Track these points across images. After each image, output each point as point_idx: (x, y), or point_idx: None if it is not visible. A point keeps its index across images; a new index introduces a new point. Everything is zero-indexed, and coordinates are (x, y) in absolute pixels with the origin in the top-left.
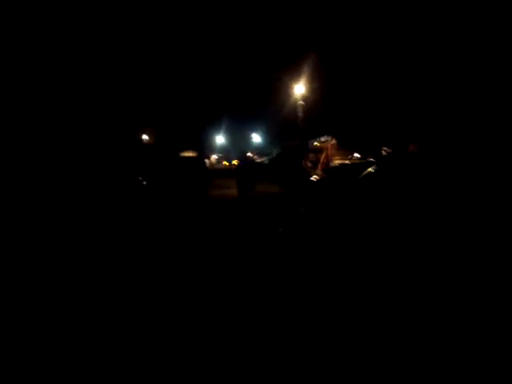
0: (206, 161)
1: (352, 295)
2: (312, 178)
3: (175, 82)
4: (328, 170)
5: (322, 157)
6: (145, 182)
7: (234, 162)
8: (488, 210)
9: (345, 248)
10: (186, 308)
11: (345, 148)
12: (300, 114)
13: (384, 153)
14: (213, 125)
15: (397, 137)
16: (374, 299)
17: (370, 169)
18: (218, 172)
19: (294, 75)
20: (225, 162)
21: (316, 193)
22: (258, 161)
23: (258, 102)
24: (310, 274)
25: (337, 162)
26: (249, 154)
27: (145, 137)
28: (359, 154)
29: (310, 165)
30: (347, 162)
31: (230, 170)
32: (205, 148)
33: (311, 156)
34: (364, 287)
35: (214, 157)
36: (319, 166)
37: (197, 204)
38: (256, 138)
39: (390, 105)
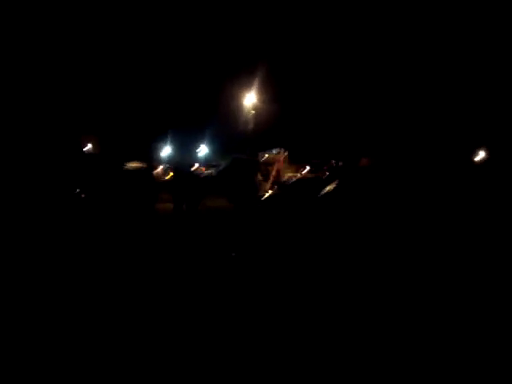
0: (154, 172)
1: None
2: (265, 194)
3: (123, 90)
4: (282, 186)
5: (274, 170)
6: (83, 195)
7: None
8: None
9: (309, 277)
10: None
11: (295, 161)
12: (250, 124)
13: (333, 165)
14: (160, 134)
15: (345, 150)
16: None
17: (329, 186)
18: (165, 184)
19: (245, 85)
20: (172, 174)
21: (271, 211)
22: (204, 173)
23: (207, 112)
24: (271, 312)
25: (288, 175)
26: (196, 165)
27: (89, 146)
28: (310, 167)
29: (260, 178)
30: (299, 175)
31: None
32: (152, 158)
33: (262, 169)
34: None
35: (160, 168)
36: (270, 180)
37: (140, 220)
38: (204, 149)
39: (339, 118)
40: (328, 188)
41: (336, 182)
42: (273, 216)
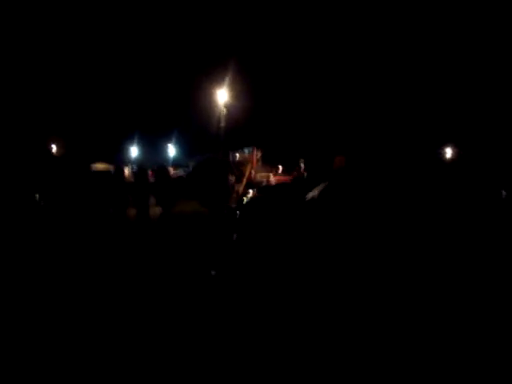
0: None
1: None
2: (240, 196)
3: (88, 90)
4: (263, 189)
5: (247, 171)
6: (42, 202)
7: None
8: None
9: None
10: None
11: (268, 161)
12: (222, 123)
13: (302, 165)
14: (128, 135)
15: (318, 149)
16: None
17: (316, 190)
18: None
19: (216, 82)
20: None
21: (258, 219)
22: (175, 174)
23: (176, 110)
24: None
25: (261, 176)
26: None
27: (53, 148)
28: (283, 167)
29: (233, 179)
30: (272, 176)
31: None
32: (120, 160)
33: (235, 170)
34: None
35: (127, 169)
36: (243, 181)
37: (108, 228)
38: (172, 149)
39: (311, 117)
40: (316, 191)
41: (324, 185)
42: (260, 224)
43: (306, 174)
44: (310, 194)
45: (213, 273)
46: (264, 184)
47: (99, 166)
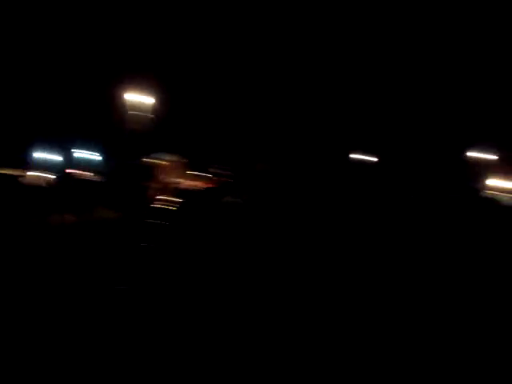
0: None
1: None
2: (160, 205)
3: None
4: (186, 196)
5: (168, 177)
6: None
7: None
8: None
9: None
10: None
11: (191, 166)
12: (140, 126)
13: (218, 171)
14: (37, 137)
15: (240, 156)
16: None
17: (239, 195)
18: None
19: (135, 85)
20: (47, 180)
21: (181, 228)
22: (87, 178)
23: (90, 112)
24: None
25: (184, 183)
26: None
27: None
28: (206, 173)
29: (153, 186)
30: (196, 183)
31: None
32: (28, 164)
33: (155, 176)
34: None
35: (32, 174)
36: (164, 188)
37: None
38: (84, 153)
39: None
40: (239, 197)
41: (246, 190)
42: (184, 233)
43: (228, 180)
44: (233, 199)
45: (121, 287)
46: (186, 190)
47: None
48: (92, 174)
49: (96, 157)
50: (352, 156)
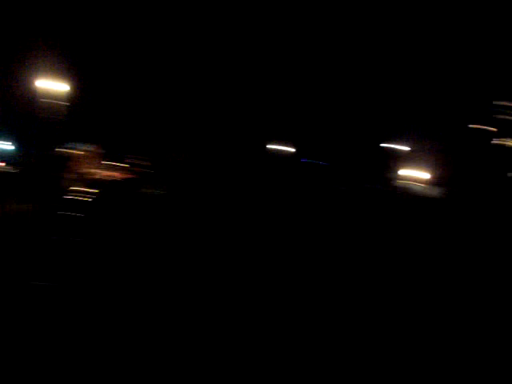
0: None
1: None
2: (75, 197)
3: None
4: (102, 186)
5: (84, 167)
6: None
7: None
8: None
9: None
10: None
11: (108, 156)
12: (53, 115)
13: (136, 161)
14: None
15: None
16: None
17: (159, 186)
18: None
19: (49, 68)
20: None
21: (87, 219)
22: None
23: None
24: None
25: (101, 173)
26: None
27: None
28: (123, 163)
29: (67, 177)
30: (114, 173)
31: None
32: None
33: (69, 166)
34: None
35: None
36: (79, 178)
37: None
38: None
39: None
40: (159, 187)
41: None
42: (99, 225)
43: (147, 171)
44: (153, 190)
45: (37, 283)
46: (102, 181)
47: None
48: (3, 165)
49: (7, 146)
50: (269, 147)
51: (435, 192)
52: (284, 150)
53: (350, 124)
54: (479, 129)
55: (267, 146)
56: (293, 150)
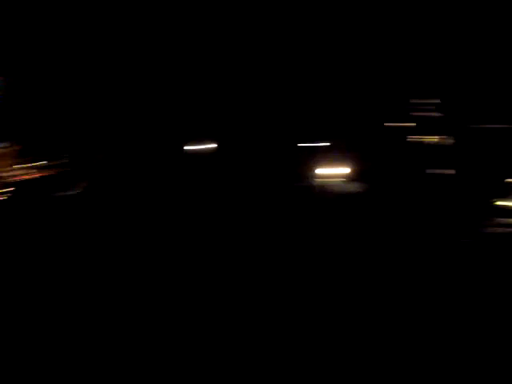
0: None
1: None
2: None
3: None
4: (12, 184)
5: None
6: None
7: None
8: None
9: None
10: None
11: (23, 154)
12: None
13: (53, 160)
14: None
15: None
16: None
17: (77, 185)
18: None
19: None
20: None
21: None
22: None
23: None
24: None
25: (18, 172)
26: None
27: None
28: (40, 161)
29: None
30: (31, 172)
31: None
32: None
33: None
34: None
35: None
36: None
37: None
38: None
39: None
40: (78, 187)
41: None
42: (13, 226)
43: (63, 170)
44: (71, 190)
45: None
46: (17, 179)
47: None
48: None
49: None
50: (188, 146)
51: (353, 188)
52: (203, 149)
53: (266, 122)
54: (396, 126)
55: (186, 145)
56: (211, 148)
